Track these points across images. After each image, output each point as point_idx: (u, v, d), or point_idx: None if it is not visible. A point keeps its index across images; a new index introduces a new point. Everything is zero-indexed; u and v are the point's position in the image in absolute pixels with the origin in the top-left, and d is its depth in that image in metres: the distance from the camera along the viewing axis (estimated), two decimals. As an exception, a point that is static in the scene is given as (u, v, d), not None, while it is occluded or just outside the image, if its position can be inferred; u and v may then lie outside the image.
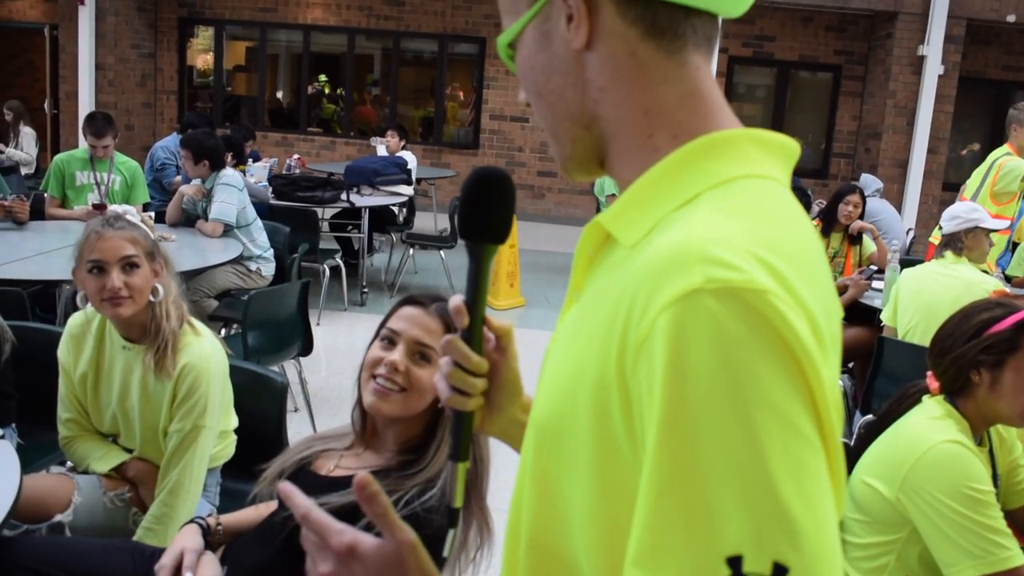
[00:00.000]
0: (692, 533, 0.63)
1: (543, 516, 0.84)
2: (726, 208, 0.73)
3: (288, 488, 0.83)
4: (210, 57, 13.81)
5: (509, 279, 7.54)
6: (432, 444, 1.83)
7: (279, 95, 14.67)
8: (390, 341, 1.84)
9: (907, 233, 8.32)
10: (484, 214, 0.95)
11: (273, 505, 1.98)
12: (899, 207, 10.60)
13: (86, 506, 2.41)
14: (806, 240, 0.76)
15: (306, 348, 4.60)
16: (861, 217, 5.70)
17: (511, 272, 7.54)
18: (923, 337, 3.92)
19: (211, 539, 2.02)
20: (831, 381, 0.68)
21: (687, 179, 0.78)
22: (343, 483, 1.76)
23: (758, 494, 0.62)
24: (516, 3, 0.87)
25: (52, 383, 2.62)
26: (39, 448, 2.94)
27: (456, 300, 0.96)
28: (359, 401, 1.90)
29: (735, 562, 0.62)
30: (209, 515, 2.07)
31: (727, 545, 0.62)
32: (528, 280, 8.21)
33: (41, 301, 4.69)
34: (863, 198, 5.74)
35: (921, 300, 4.03)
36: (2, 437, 2.28)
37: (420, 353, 1.82)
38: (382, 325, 1.89)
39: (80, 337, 2.57)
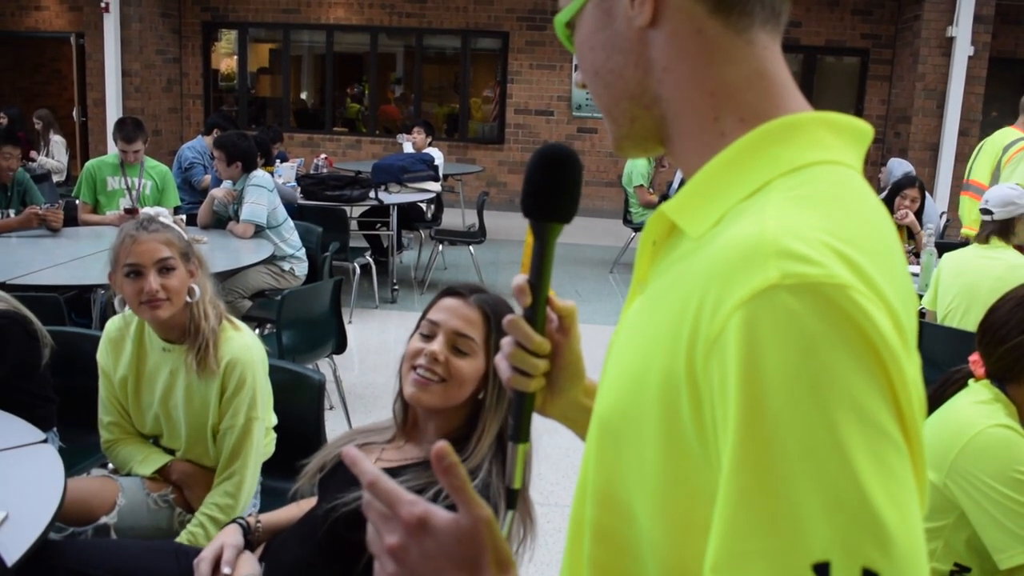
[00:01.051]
0: (775, 540, 0.61)
1: (607, 511, 0.82)
2: (799, 197, 0.71)
3: (353, 453, 0.79)
4: (234, 60, 13.88)
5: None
6: (473, 436, 1.82)
7: (303, 96, 14.72)
8: (430, 332, 1.84)
9: (940, 217, 8.21)
10: (550, 192, 0.92)
11: (313, 501, 1.98)
12: (931, 191, 10.46)
13: (130, 507, 2.43)
14: (882, 229, 0.73)
15: (340, 346, 4.61)
16: (920, 211, 5.48)
17: (540, 266, 7.50)
18: (963, 320, 3.86)
19: (251, 538, 2.03)
20: (914, 377, 0.65)
21: (756, 166, 0.75)
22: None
23: (844, 498, 0.60)
24: None
25: (91, 386, 2.64)
26: (80, 451, 2.97)
27: (519, 279, 0.94)
28: (400, 393, 1.90)
29: (822, 569, 0.59)
30: (249, 514, 2.08)
31: (813, 551, 0.60)
32: (557, 273, 8.16)
33: (76, 306, 4.74)
34: (922, 192, 5.54)
35: (962, 282, 3.97)
36: (45, 441, 2.30)
37: (459, 344, 1.82)
38: (423, 317, 1.89)
39: (119, 341, 2.59)
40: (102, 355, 2.60)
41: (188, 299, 2.46)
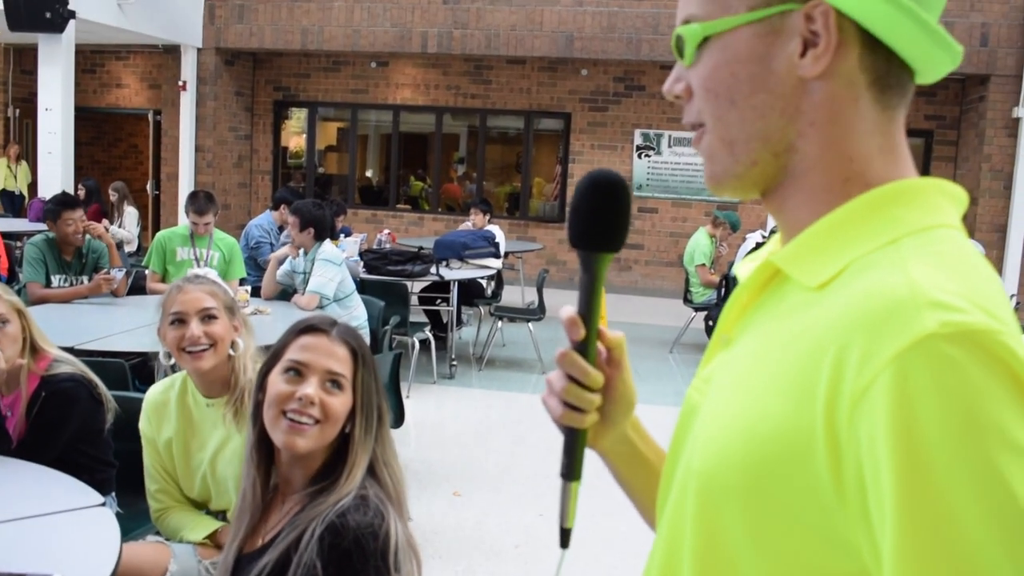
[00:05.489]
0: None
1: (712, 567, 0.80)
2: (934, 256, 0.72)
3: None
4: (303, 138, 14.26)
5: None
6: (344, 469, 1.77)
7: (368, 173, 15.02)
8: (297, 373, 1.79)
9: (1011, 299, 8.02)
10: (598, 220, 0.89)
11: None
12: (1000, 272, 10.23)
13: (182, 574, 2.42)
14: (1003, 293, 0.75)
15: (398, 420, 4.59)
16: None
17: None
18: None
19: None
20: None
21: (881, 224, 0.76)
22: (275, 542, 1.72)
23: None
24: None
25: (151, 452, 2.65)
26: (137, 516, 2.97)
27: (569, 311, 0.91)
28: (256, 464, 1.83)
29: None
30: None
31: None
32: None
33: (141, 375, 4.81)
34: None
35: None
36: (103, 505, 2.31)
37: (332, 382, 1.80)
38: (277, 355, 1.83)
39: (161, 405, 2.62)
40: (144, 423, 2.63)
41: (231, 352, 2.49)
